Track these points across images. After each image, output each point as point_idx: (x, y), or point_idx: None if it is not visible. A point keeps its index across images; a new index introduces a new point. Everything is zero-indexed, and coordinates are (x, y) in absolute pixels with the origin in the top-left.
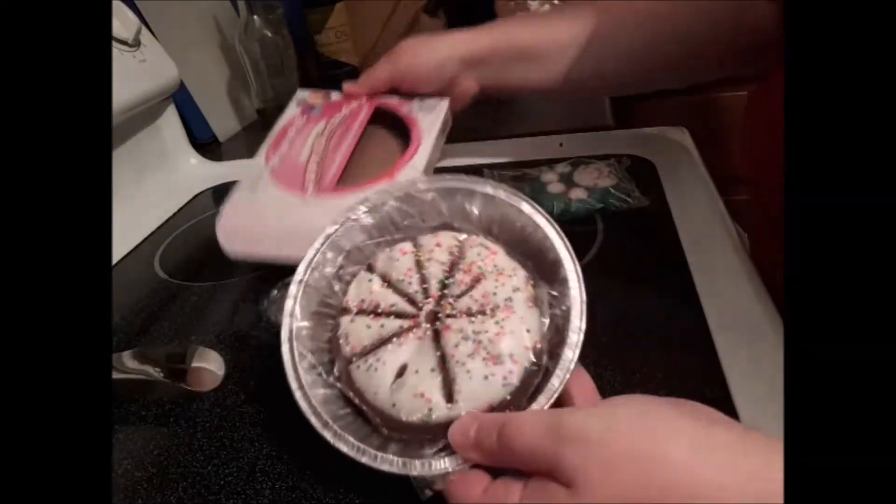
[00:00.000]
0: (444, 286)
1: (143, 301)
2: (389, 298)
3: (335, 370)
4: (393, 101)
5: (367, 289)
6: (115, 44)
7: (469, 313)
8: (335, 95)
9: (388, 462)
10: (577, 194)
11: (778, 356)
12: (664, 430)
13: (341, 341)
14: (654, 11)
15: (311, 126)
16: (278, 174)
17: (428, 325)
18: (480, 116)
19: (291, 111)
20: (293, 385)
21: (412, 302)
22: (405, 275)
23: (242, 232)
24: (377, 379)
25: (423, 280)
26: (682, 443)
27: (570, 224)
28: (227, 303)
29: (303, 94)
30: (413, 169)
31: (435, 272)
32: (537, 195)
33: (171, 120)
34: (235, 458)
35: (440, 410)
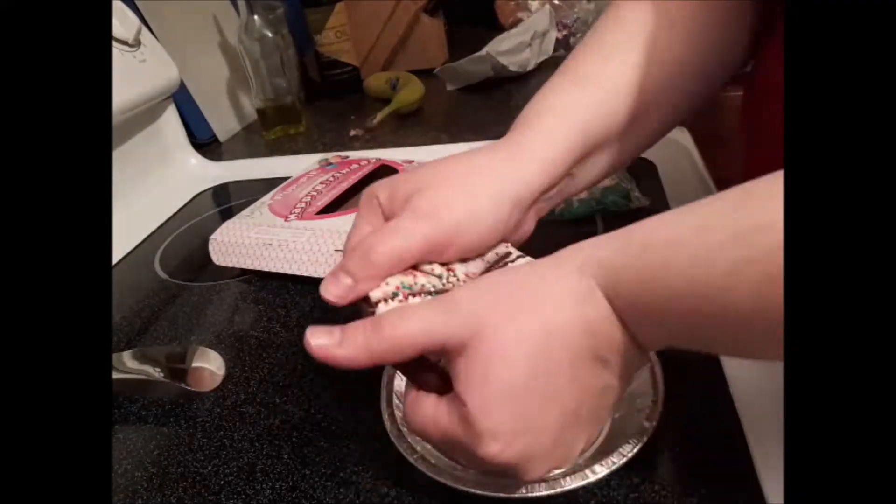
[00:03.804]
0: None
1: (143, 301)
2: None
3: None
4: (398, 162)
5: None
6: (115, 44)
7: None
8: (355, 156)
9: None
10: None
11: None
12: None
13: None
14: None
15: (321, 174)
16: (274, 205)
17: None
18: (482, 114)
19: (312, 166)
20: None
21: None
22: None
23: (228, 246)
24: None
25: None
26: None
27: (571, 224)
28: (227, 303)
29: (325, 157)
30: None
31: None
32: None
33: (171, 120)
34: (235, 458)
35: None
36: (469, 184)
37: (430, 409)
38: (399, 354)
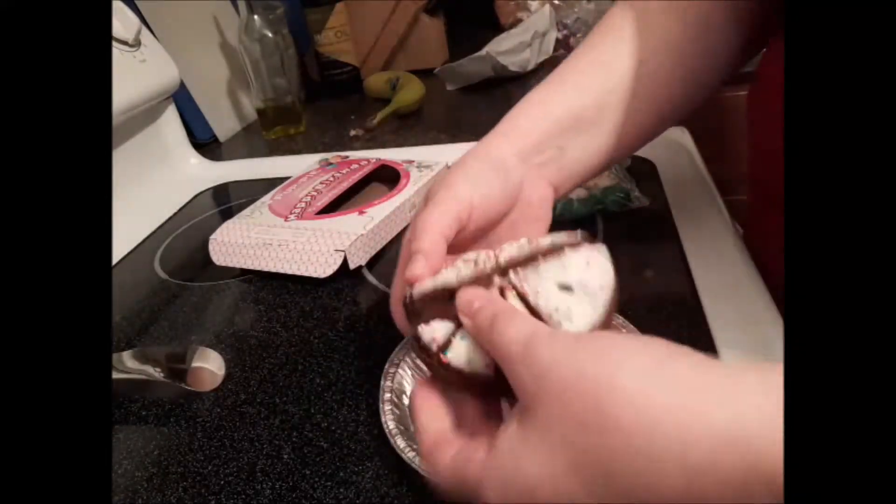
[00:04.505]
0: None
1: (143, 301)
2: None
3: None
4: (398, 162)
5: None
6: (115, 44)
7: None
8: (355, 156)
9: None
10: (578, 194)
11: (778, 355)
12: (618, 357)
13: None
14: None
15: (322, 174)
16: (274, 205)
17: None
18: (482, 114)
19: (312, 166)
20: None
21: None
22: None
23: (228, 246)
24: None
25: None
26: (635, 367)
27: (571, 224)
28: (227, 303)
29: (325, 157)
30: (380, 210)
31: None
32: None
33: (171, 120)
34: (235, 458)
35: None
36: (462, 163)
37: (453, 452)
38: (488, 348)
